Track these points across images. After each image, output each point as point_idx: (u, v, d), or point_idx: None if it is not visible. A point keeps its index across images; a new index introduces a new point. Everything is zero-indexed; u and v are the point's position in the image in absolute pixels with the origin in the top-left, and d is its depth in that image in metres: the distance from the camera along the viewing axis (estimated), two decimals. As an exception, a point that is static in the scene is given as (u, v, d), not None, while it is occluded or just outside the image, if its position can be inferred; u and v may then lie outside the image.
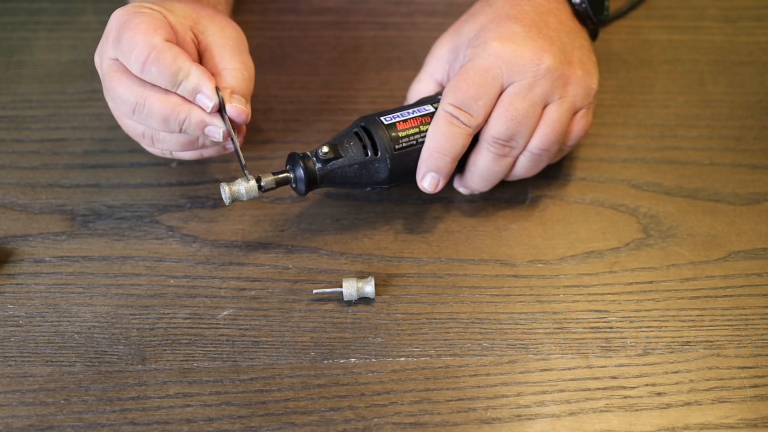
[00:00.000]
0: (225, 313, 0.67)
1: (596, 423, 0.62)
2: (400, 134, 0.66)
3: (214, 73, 0.66)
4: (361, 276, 0.68)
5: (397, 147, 0.66)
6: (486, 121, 0.67)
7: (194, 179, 0.75)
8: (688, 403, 0.63)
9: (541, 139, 0.67)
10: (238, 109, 0.64)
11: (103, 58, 0.65)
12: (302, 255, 0.70)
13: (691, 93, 0.83)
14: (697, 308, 0.68)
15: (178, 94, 0.64)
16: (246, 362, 0.64)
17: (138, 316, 0.66)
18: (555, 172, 0.75)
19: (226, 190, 0.65)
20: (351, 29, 0.87)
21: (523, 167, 0.69)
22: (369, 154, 0.66)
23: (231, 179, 0.66)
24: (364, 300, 0.68)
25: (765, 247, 0.71)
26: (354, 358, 0.65)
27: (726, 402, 0.63)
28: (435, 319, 0.67)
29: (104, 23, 0.66)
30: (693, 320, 0.67)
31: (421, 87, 0.73)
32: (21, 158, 0.76)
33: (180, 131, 0.65)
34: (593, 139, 0.78)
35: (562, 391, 0.63)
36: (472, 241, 0.71)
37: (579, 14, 0.72)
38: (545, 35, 0.67)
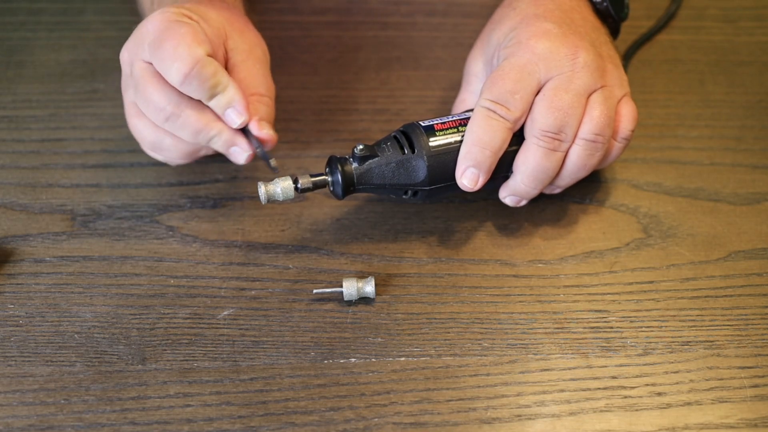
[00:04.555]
0: (225, 313, 0.67)
1: (596, 423, 0.62)
2: (438, 133, 0.66)
3: None
4: (361, 276, 0.68)
5: (434, 144, 0.66)
6: (525, 116, 0.66)
7: (194, 179, 0.75)
8: (688, 403, 0.63)
9: (592, 123, 0.66)
10: (269, 134, 0.66)
11: (135, 60, 0.65)
12: (302, 255, 0.70)
13: (691, 93, 0.83)
14: (697, 308, 0.68)
15: (212, 111, 0.65)
16: (246, 362, 0.64)
17: (138, 316, 0.66)
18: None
19: (262, 190, 0.65)
20: (351, 29, 0.87)
21: (576, 161, 0.67)
22: (406, 152, 0.66)
23: (268, 179, 0.66)
24: (364, 300, 0.68)
25: (765, 247, 0.71)
26: (354, 358, 0.65)
27: (726, 402, 0.63)
28: (435, 319, 0.67)
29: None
30: (693, 320, 0.67)
31: (466, 106, 0.72)
32: (21, 158, 0.76)
33: (206, 144, 0.66)
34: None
35: (562, 391, 0.63)
36: (472, 241, 0.71)
37: (600, 12, 0.72)
38: (575, 31, 0.67)
